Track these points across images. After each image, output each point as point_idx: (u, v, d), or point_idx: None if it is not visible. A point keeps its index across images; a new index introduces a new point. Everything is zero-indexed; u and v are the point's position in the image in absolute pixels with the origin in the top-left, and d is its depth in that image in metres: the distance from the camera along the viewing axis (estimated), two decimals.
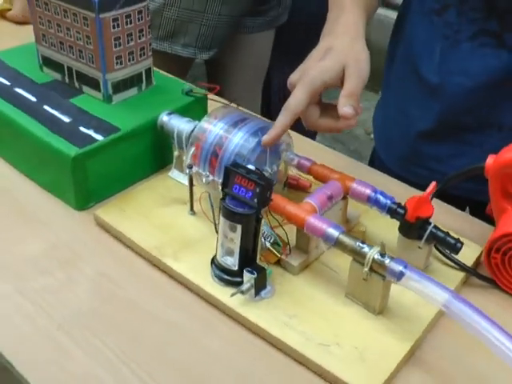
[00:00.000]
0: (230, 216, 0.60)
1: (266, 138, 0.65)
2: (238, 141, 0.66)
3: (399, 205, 0.64)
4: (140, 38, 0.79)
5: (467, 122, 0.81)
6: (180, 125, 0.74)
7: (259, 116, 0.76)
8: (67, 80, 0.84)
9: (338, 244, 0.60)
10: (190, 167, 0.69)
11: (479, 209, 0.77)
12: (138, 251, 0.68)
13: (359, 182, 0.67)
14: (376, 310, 0.60)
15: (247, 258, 0.62)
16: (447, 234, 0.63)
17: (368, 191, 0.66)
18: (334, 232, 0.60)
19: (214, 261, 0.64)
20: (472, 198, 0.84)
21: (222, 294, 0.62)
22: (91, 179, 0.73)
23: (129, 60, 0.79)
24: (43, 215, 0.74)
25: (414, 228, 0.63)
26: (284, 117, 0.64)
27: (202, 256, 0.65)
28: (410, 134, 0.87)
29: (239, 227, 0.60)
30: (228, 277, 0.63)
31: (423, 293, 0.55)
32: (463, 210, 0.83)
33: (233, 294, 0.60)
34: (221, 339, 0.60)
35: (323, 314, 0.61)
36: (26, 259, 0.67)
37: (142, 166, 0.80)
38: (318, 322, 0.60)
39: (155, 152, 0.80)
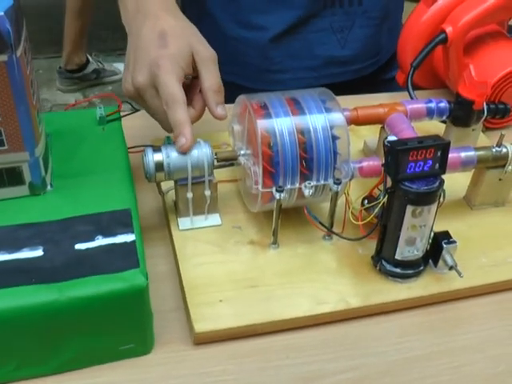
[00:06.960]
0: (422, 200, 0.48)
1: (183, 143, 0.52)
2: (323, 124, 0.51)
3: (460, 101, 0.61)
4: (32, 74, 0.47)
5: (315, 10, 0.80)
6: (193, 153, 0.51)
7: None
8: None
9: (479, 162, 0.56)
10: (281, 190, 0.50)
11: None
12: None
13: (407, 102, 0.60)
14: (504, 202, 0.60)
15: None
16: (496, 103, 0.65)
17: (423, 105, 0.60)
18: (470, 153, 0.55)
19: (381, 262, 0.52)
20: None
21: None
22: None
23: (38, 113, 0.47)
24: None
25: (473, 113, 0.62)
26: (180, 111, 0.53)
27: (357, 275, 0.52)
28: (262, 43, 0.81)
29: (433, 206, 0.49)
30: (410, 270, 0.52)
31: None
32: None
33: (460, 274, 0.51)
34: None
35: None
36: None
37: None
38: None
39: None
